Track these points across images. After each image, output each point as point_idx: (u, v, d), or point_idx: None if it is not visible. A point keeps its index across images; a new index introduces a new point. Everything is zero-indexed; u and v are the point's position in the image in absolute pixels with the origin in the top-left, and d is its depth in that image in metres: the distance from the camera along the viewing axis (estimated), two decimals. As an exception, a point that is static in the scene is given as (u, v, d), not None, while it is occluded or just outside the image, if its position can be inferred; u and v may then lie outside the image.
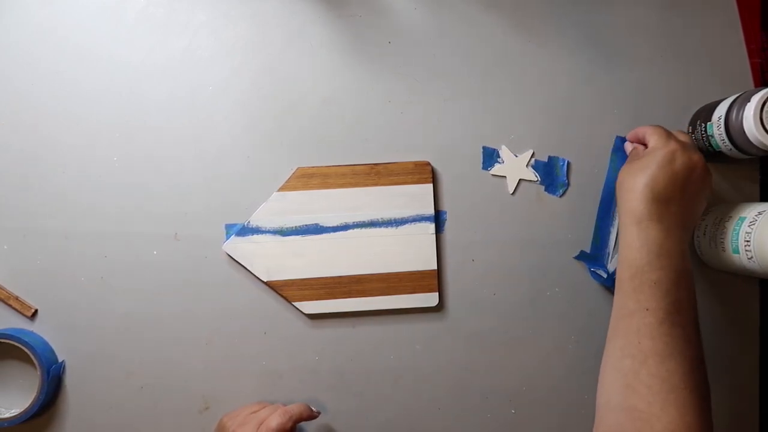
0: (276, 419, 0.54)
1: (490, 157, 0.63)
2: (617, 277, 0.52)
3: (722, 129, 0.56)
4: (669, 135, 0.54)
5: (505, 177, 0.63)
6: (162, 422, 0.61)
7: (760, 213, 0.54)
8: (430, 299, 0.62)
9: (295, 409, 0.56)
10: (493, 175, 0.63)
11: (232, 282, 0.62)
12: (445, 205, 0.63)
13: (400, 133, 0.63)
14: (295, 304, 0.61)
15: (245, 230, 0.61)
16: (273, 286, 0.61)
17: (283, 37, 0.63)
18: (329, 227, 0.61)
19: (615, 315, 0.52)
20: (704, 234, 0.61)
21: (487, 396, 0.63)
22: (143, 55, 0.62)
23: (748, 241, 0.53)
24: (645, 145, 0.57)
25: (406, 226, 0.62)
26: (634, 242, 0.51)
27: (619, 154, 0.63)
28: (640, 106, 0.63)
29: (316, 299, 0.61)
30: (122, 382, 0.61)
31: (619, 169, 0.63)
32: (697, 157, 0.53)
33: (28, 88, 0.61)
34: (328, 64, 0.63)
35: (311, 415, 0.57)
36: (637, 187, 0.52)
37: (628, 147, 0.60)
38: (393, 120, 0.63)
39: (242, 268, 0.61)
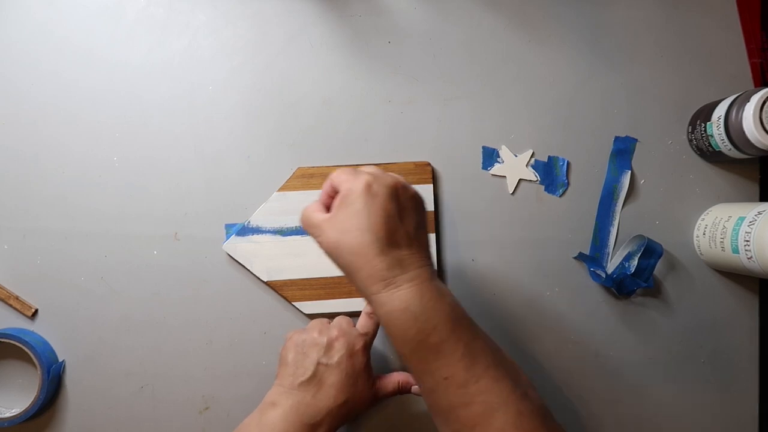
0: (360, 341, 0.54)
1: (490, 157, 0.63)
2: (399, 353, 0.46)
3: (722, 129, 0.56)
4: (354, 170, 0.47)
5: (505, 177, 0.63)
6: (162, 422, 0.61)
7: (759, 213, 0.54)
8: (430, 299, 0.62)
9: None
10: (493, 175, 0.63)
11: (232, 282, 0.62)
12: (445, 205, 0.63)
13: (400, 133, 0.63)
14: (295, 304, 0.61)
15: (245, 230, 0.61)
16: (273, 286, 0.61)
17: (284, 37, 0.63)
18: (329, 227, 0.61)
19: (422, 391, 0.46)
20: (704, 234, 0.61)
21: (487, 396, 0.63)
22: (143, 55, 0.62)
23: (747, 241, 0.53)
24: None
25: (406, 226, 0.62)
26: (394, 312, 0.43)
27: (619, 155, 0.63)
28: (640, 106, 0.63)
29: (316, 299, 0.61)
30: (122, 382, 0.61)
31: (618, 170, 0.63)
32: (391, 178, 0.46)
33: (28, 88, 0.61)
34: (328, 64, 0.63)
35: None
36: (358, 243, 0.43)
37: (316, 208, 0.48)
38: (393, 120, 0.63)
39: (242, 268, 0.61)
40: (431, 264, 0.46)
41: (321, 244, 0.45)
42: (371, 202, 0.44)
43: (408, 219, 0.46)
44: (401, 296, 0.43)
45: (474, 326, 0.45)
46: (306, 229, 0.47)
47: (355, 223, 0.44)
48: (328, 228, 0.45)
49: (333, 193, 0.48)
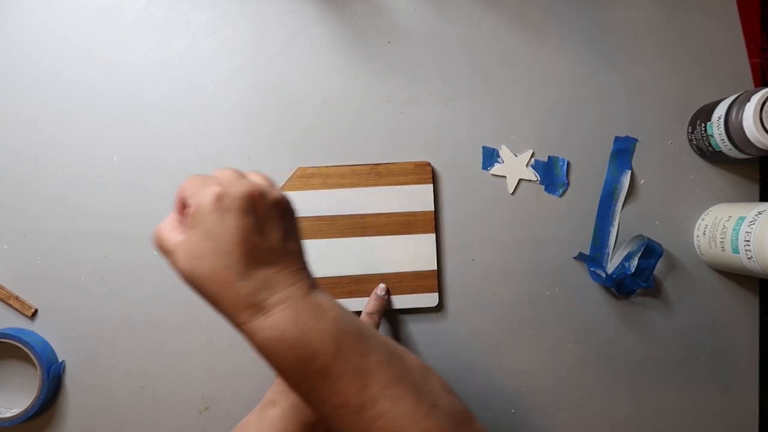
0: None
1: (490, 157, 0.63)
2: (286, 383, 0.40)
3: (722, 129, 0.56)
4: (204, 179, 0.40)
5: (505, 177, 0.63)
6: (162, 422, 0.61)
7: (759, 213, 0.54)
8: (430, 299, 0.62)
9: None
10: (493, 175, 0.63)
11: (232, 282, 0.62)
12: (445, 205, 0.63)
13: (400, 133, 0.63)
14: (295, 304, 0.61)
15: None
16: (273, 286, 0.61)
17: (284, 37, 0.63)
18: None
19: (321, 419, 0.42)
20: (704, 234, 0.61)
21: (487, 396, 0.63)
22: (143, 55, 0.62)
23: (747, 241, 0.53)
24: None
25: (406, 226, 0.62)
26: (267, 341, 0.37)
27: (619, 155, 0.63)
28: (640, 106, 0.64)
29: (316, 299, 0.61)
30: (122, 382, 0.61)
31: (618, 170, 0.63)
32: (244, 186, 0.39)
33: (28, 88, 0.61)
34: (328, 64, 0.63)
35: None
36: (214, 270, 0.37)
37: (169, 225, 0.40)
38: (393, 120, 0.63)
39: (242, 268, 0.61)
40: (307, 276, 0.40)
41: (176, 272, 0.39)
42: (223, 219, 0.38)
43: (272, 231, 0.39)
44: (273, 323, 0.37)
45: (366, 339, 0.39)
46: (160, 253, 0.40)
47: (207, 246, 0.37)
48: (181, 253, 0.38)
49: (185, 207, 0.40)
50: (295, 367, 0.37)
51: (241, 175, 0.40)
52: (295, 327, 0.37)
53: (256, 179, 0.41)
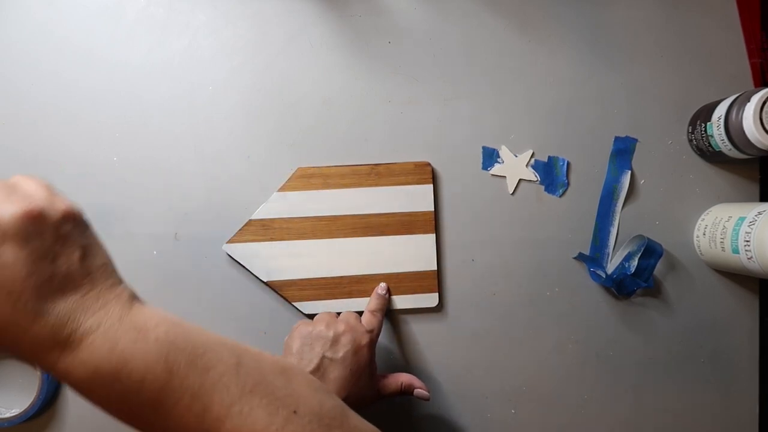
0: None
1: (490, 157, 0.63)
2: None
3: (722, 129, 0.56)
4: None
5: (505, 177, 0.63)
6: (162, 422, 0.61)
7: (759, 213, 0.54)
8: (430, 299, 0.62)
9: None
10: (493, 175, 0.63)
11: (232, 282, 0.62)
12: (445, 205, 0.63)
13: (400, 133, 0.63)
14: (295, 304, 0.61)
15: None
16: (273, 286, 0.61)
17: (284, 37, 0.63)
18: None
19: None
20: (704, 234, 0.61)
21: (487, 396, 0.63)
22: (143, 55, 0.62)
23: (747, 241, 0.53)
24: None
25: (406, 226, 0.62)
26: (84, 380, 0.32)
27: (619, 155, 0.63)
28: (640, 106, 0.64)
29: (316, 299, 0.61)
30: (122, 382, 0.61)
31: (618, 170, 0.63)
32: (15, 203, 0.31)
33: (28, 88, 0.61)
34: (328, 64, 0.63)
35: None
36: (1, 316, 0.30)
37: None
38: (393, 120, 0.63)
39: (242, 268, 0.61)
40: (122, 291, 0.34)
41: None
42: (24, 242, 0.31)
43: (67, 251, 0.32)
44: (85, 358, 0.31)
45: (205, 352, 0.34)
46: None
47: None
48: None
49: None
50: (123, 403, 0.33)
51: (9, 189, 0.32)
52: (112, 357, 0.31)
53: (31, 190, 0.33)
